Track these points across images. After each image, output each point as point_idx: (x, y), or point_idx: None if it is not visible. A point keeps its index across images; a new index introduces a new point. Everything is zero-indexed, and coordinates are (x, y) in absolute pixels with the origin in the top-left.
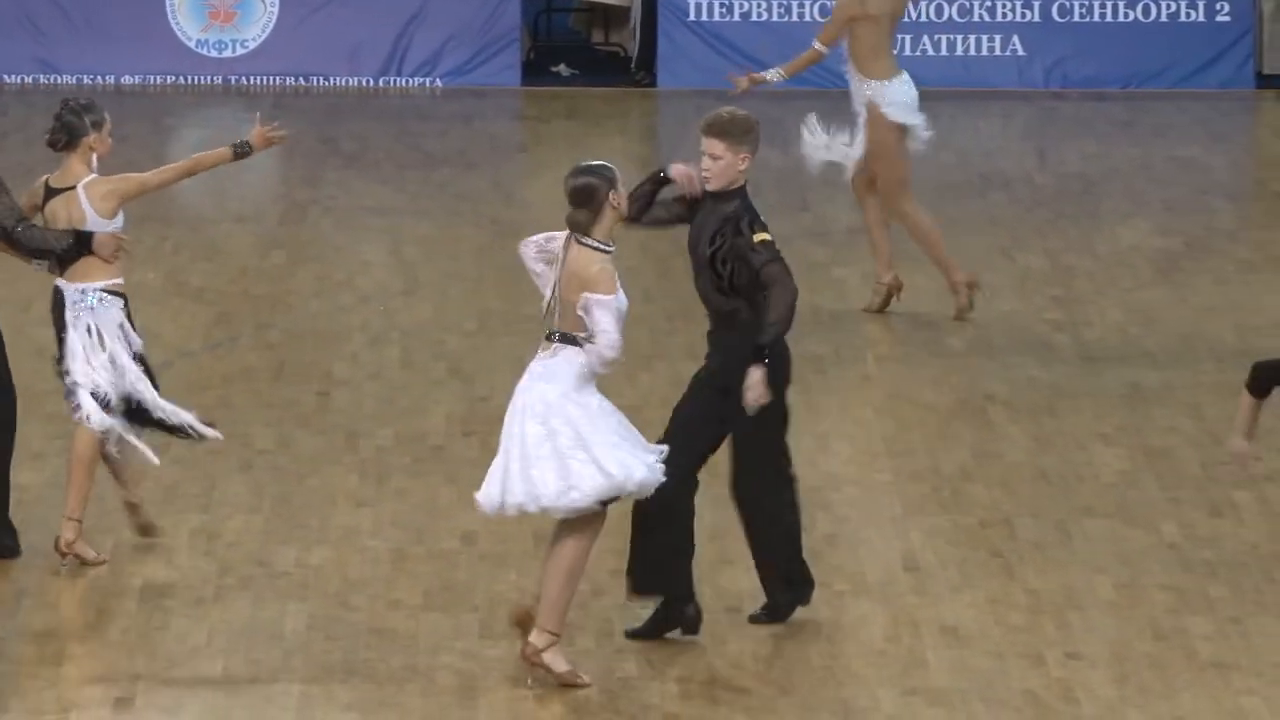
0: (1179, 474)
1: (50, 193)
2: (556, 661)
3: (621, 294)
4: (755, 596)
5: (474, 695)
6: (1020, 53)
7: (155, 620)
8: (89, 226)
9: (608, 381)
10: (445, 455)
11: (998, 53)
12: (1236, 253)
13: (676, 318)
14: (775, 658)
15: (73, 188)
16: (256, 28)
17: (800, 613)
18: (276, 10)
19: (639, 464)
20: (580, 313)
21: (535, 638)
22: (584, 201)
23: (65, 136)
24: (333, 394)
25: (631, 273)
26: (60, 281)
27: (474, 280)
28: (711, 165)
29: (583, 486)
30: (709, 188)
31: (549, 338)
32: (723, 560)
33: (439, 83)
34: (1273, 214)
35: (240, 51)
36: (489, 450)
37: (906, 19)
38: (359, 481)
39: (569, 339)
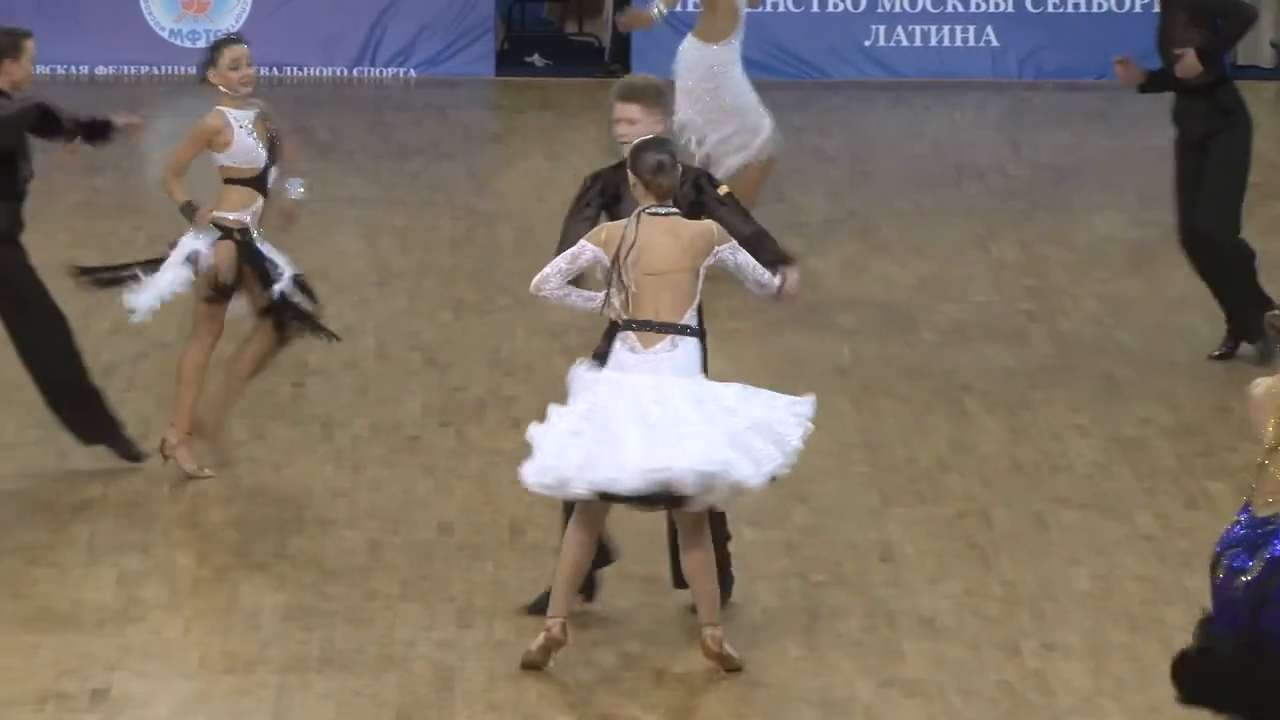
0: (1154, 465)
1: None
2: (730, 649)
3: None
4: (735, 587)
5: (450, 685)
6: (994, 43)
7: (132, 611)
8: None
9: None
10: (421, 445)
11: (971, 43)
12: None
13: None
14: (752, 648)
15: None
16: (230, 17)
17: (777, 603)
18: (250, 0)
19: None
20: (704, 271)
21: (712, 630)
22: (672, 171)
23: None
24: (308, 384)
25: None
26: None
27: (448, 270)
28: (629, 130)
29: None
30: (628, 152)
31: (653, 330)
32: None
33: (413, 73)
34: (1246, 205)
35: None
36: (465, 440)
37: (880, 8)
38: (335, 472)
39: (686, 330)
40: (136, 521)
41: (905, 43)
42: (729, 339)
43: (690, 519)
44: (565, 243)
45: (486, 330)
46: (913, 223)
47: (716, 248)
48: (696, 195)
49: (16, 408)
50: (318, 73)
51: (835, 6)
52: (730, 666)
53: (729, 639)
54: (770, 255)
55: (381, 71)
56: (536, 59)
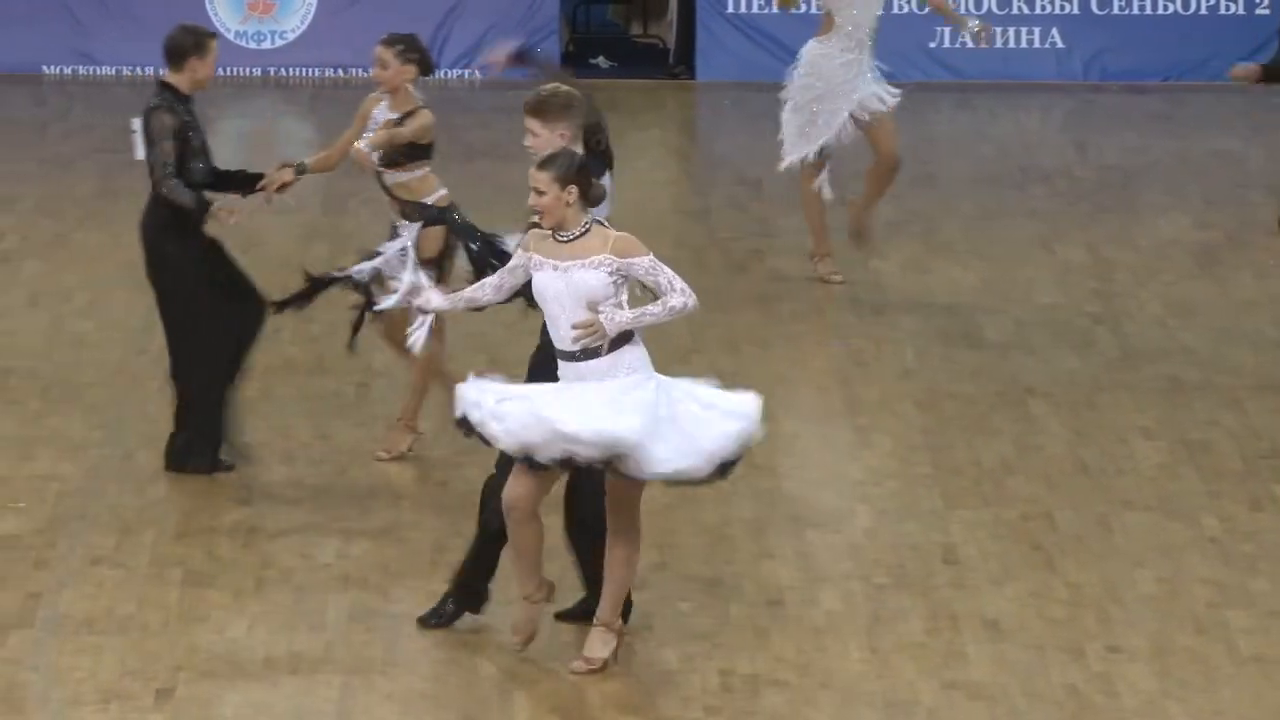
0: (1219, 467)
1: None
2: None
3: None
4: (797, 589)
5: (513, 687)
6: (1059, 45)
7: (196, 611)
8: None
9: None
10: (485, 448)
11: (1037, 45)
12: (1276, 246)
13: (715, 310)
14: (816, 650)
15: None
16: (295, 19)
17: (840, 605)
18: (315, 2)
19: None
20: (615, 283)
21: (600, 632)
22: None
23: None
24: (372, 386)
25: (669, 266)
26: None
27: None
28: (533, 143)
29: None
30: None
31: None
32: (763, 554)
33: (478, 75)
34: None
35: (279, 43)
36: None
37: None
38: (399, 473)
39: (622, 336)
40: (201, 522)
41: (970, 44)
42: (792, 341)
43: (622, 514)
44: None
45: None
46: (977, 225)
47: (630, 260)
48: None
49: (83, 408)
50: None
51: (900, 8)
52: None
53: (796, 642)
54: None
55: (446, 73)
56: (601, 61)
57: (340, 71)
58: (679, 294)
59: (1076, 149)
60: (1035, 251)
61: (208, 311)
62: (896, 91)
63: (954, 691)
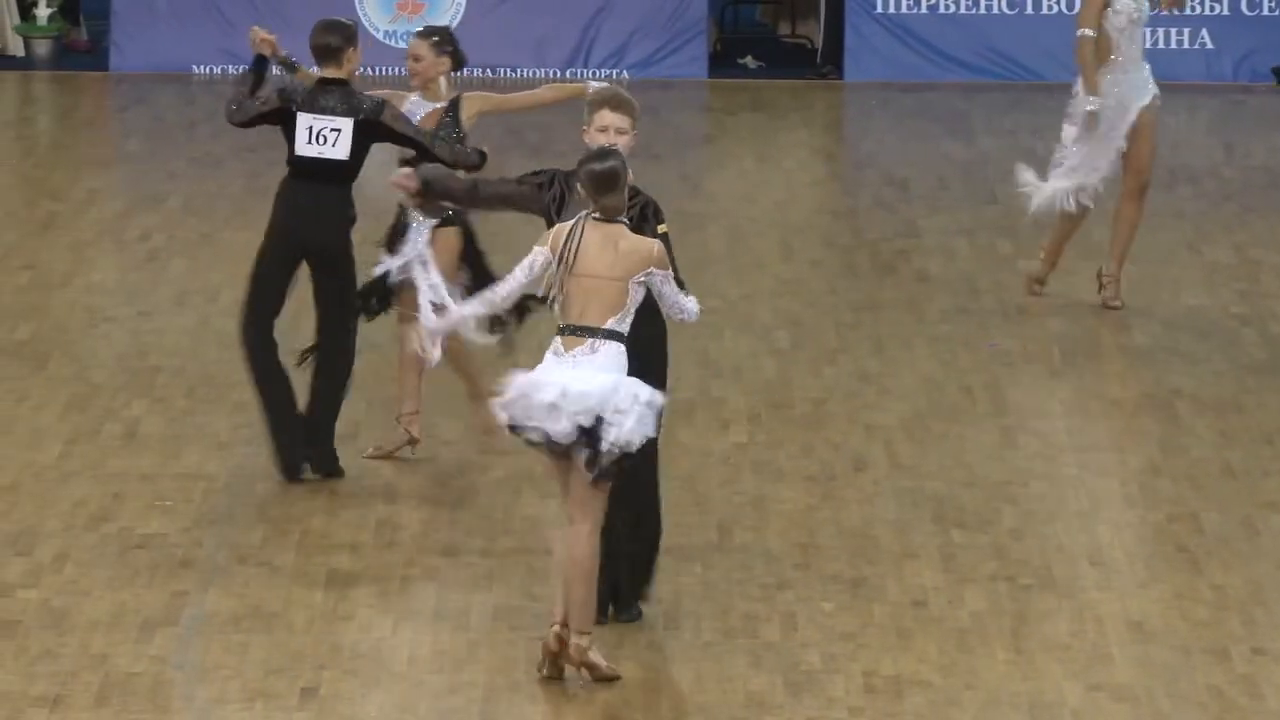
0: None
1: None
2: (599, 658)
3: None
4: (941, 590)
5: (657, 687)
6: (1209, 46)
7: (341, 610)
8: None
9: (793, 376)
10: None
11: (1186, 46)
12: None
13: (862, 310)
14: (960, 651)
15: None
16: (444, 19)
17: (986, 606)
18: (464, 2)
19: None
20: (635, 288)
21: (579, 639)
22: (615, 185)
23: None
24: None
25: (816, 266)
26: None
27: None
28: (618, 140)
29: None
30: None
31: (576, 334)
32: (907, 554)
33: (626, 74)
34: None
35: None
36: (674, 441)
37: None
38: (542, 472)
39: (608, 334)
40: (346, 521)
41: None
42: (939, 341)
43: (585, 496)
44: (491, 182)
45: (695, 331)
46: None
47: (651, 269)
48: (638, 224)
49: (229, 408)
50: (531, 74)
51: (1049, 8)
52: (600, 676)
53: (939, 642)
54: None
55: (595, 73)
56: (749, 60)
57: (488, 71)
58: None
59: (1224, 150)
60: (1182, 253)
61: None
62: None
63: (1098, 693)
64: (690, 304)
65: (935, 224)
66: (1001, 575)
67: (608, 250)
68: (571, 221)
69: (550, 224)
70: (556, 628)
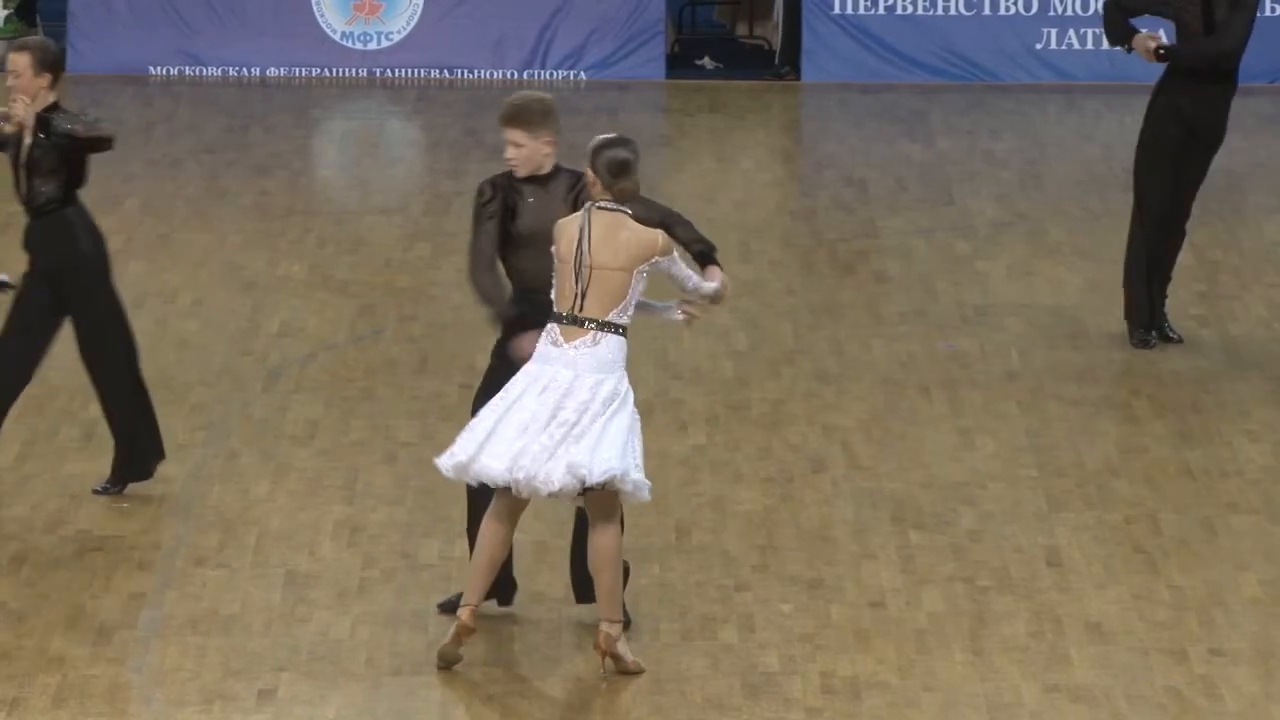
0: None
1: None
2: (626, 650)
3: None
4: (899, 591)
5: (619, 687)
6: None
7: (298, 612)
8: None
9: (752, 377)
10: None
11: None
12: None
13: (820, 311)
14: (918, 652)
15: None
16: (401, 20)
17: (944, 607)
18: (421, 3)
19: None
20: (638, 278)
21: (609, 628)
22: (628, 171)
23: None
24: (476, 386)
25: (775, 266)
26: None
27: None
28: (516, 154)
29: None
30: (519, 173)
31: (578, 324)
32: (865, 555)
33: (583, 75)
34: None
35: (385, 44)
36: None
37: (1052, 11)
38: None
39: (610, 326)
40: (303, 523)
41: (1077, 46)
42: (897, 341)
43: (603, 503)
44: (479, 255)
45: (654, 333)
46: (1083, 226)
47: (657, 258)
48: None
49: (187, 410)
50: (488, 75)
51: (1007, 9)
52: (623, 669)
53: (898, 643)
54: (699, 246)
55: (552, 74)
56: (707, 62)
57: (446, 73)
58: None
59: None
60: None
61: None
62: None
63: (1056, 694)
64: (704, 284)
65: (894, 224)
66: (959, 576)
67: (610, 240)
68: (578, 214)
69: (506, 228)
70: (470, 608)
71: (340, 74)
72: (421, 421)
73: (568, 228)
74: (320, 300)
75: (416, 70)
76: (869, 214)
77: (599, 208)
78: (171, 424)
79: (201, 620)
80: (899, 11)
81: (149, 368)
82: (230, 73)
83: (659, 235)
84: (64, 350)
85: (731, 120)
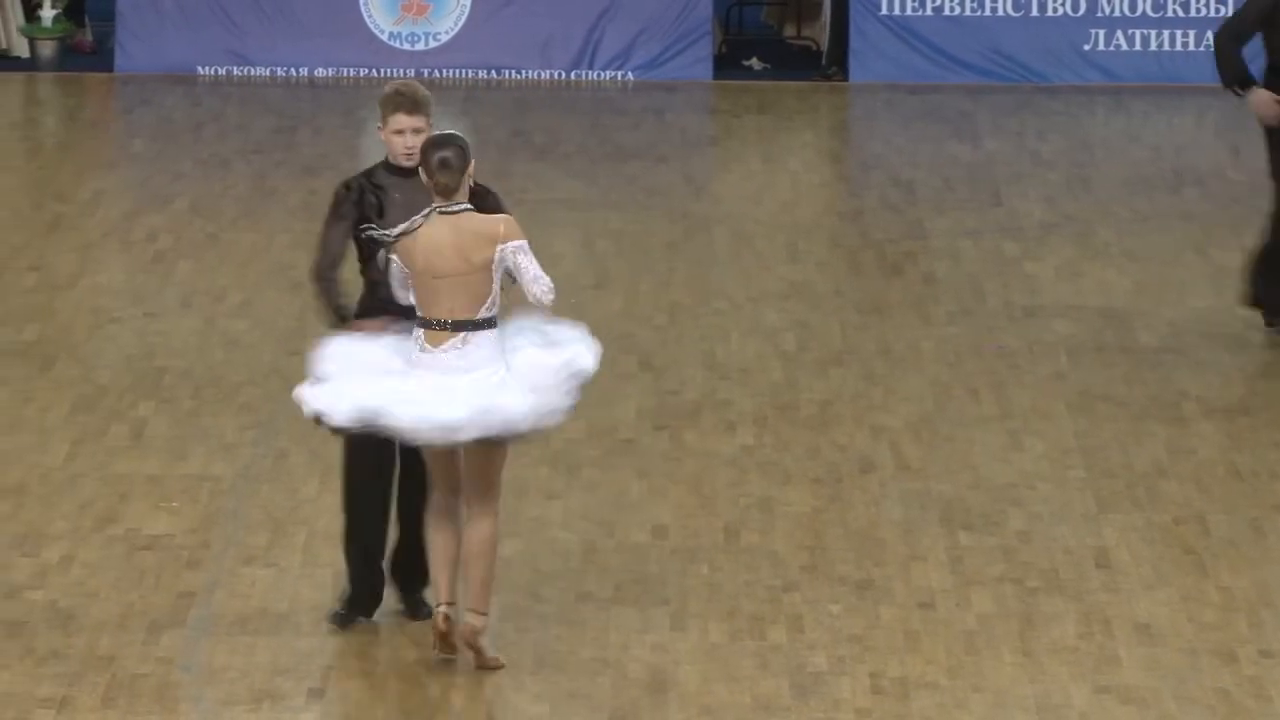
0: None
1: None
2: (487, 643)
3: None
4: (948, 592)
5: (664, 688)
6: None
7: None
8: None
9: (800, 378)
10: (636, 448)
11: (1192, 48)
12: None
13: (868, 312)
14: (967, 653)
15: None
16: (449, 21)
17: (993, 608)
18: (469, 4)
19: None
20: (496, 274)
21: (474, 619)
22: (448, 167)
23: None
24: None
25: (822, 267)
26: None
27: (664, 274)
28: (416, 141)
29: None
30: (409, 164)
31: (445, 328)
32: (914, 556)
33: (630, 76)
34: None
35: (432, 44)
36: (680, 443)
37: (1100, 13)
38: (549, 474)
39: (477, 324)
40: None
41: (1125, 47)
42: (945, 343)
43: (484, 488)
44: (326, 251)
45: (702, 333)
46: (1130, 228)
47: (499, 245)
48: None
49: (235, 409)
50: (535, 75)
51: (1054, 10)
52: (484, 663)
53: (947, 644)
54: None
55: (599, 74)
56: (754, 62)
57: (493, 73)
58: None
59: (1230, 152)
60: (1189, 255)
61: None
62: None
63: (1105, 695)
64: (543, 285)
65: (941, 226)
66: (1008, 577)
67: (458, 244)
68: (421, 226)
69: (379, 227)
70: (443, 608)
71: (388, 74)
72: None
73: (415, 245)
74: None
75: (464, 71)
76: (916, 215)
77: (441, 213)
78: (220, 424)
79: (250, 619)
80: (947, 12)
81: (198, 367)
82: (278, 73)
83: (500, 223)
84: (111, 349)
85: (779, 121)
